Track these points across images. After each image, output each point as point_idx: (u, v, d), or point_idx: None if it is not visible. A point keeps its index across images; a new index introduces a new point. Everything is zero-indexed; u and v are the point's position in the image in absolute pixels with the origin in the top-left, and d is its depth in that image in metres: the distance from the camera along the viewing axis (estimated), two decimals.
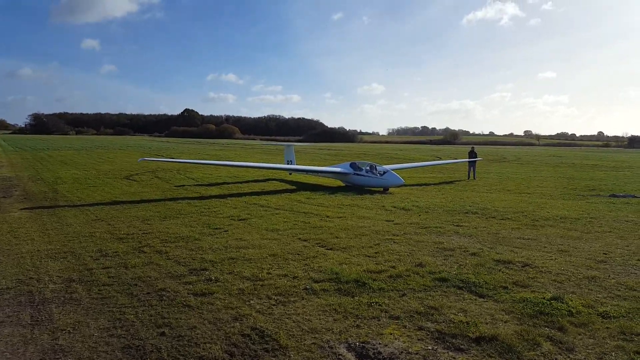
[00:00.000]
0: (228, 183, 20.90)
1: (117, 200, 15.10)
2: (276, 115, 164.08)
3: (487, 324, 5.22)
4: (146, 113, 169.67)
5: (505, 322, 5.32)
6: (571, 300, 5.92)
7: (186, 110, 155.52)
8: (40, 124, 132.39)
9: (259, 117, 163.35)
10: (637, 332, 5.05)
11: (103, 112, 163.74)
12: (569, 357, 4.53)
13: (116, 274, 7.17)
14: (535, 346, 4.70)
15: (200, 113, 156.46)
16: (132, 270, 7.36)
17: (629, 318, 5.45)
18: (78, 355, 4.57)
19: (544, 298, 5.99)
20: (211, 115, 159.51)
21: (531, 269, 7.39)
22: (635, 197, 17.02)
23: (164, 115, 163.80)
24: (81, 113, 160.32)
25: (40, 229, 10.77)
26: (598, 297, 6.18)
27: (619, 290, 6.46)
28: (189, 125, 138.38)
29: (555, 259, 8.09)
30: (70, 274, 7.23)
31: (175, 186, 19.48)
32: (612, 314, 5.54)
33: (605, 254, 8.52)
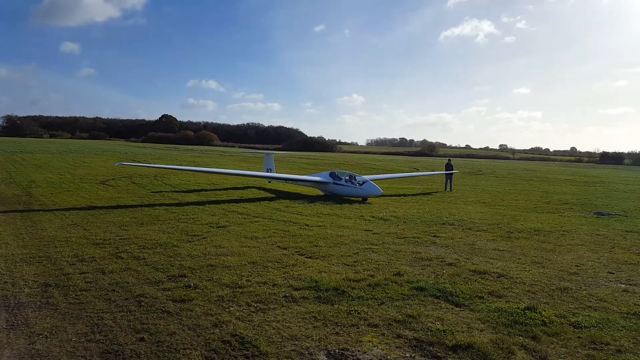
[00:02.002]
0: (206, 190, 20.76)
1: (93, 206, 14.85)
2: (256, 123, 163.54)
3: (463, 332, 5.35)
4: (123, 118, 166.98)
5: (481, 330, 5.46)
6: (544, 311, 6.10)
7: (164, 116, 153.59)
8: (13, 127, 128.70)
9: (238, 125, 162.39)
10: (607, 341, 5.25)
11: (79, 115, 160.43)
12: None
13: (93, 279, 7.07)
14: (510, 354, 4.84)
15: (178, 119, 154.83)
16: (109, 276, 7.26)
17: (599, 328, 5.65)
18: None
19: (518, 308, 6.16)
20: (189, 122, 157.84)
21: (506, 280, 7.59)
22: (619, 215, 16.50)
23: (142, 120, 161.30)
24: (56, 116, 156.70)
25: (14, 233, 10.51)
26: (570, 307, 6.39)
27: (590, 301, 6.69)
28: (166, 131, 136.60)
29: (529, 270, 8.33)
30: (46, 278, 7.09)
31: (153, 192, 19.27)
32: (583, 324, 5.73)
33: (577, 266, 8.80)
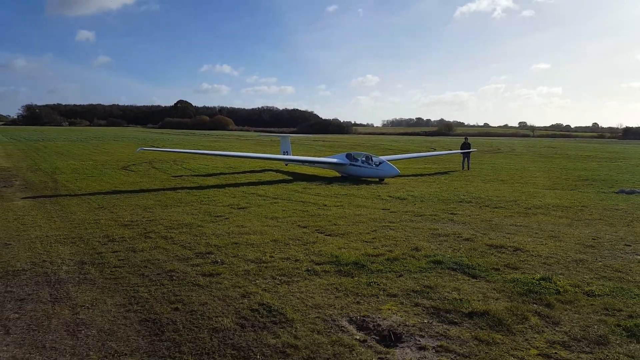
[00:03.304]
0: (225, 173, 21.15)
1: (117, 190, 15.34)
2: (270, 107, 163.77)
3: (479, 301, 5.59)
4: (139, 104, 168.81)
5: (496, 299, 5.68)
6: (559, 281, 6.29)
7: (179, 101, 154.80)
8: (33, 115, 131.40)
9: (252, 109, 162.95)
10: (619, 308, 5.43)
11: (96, 103, 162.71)
12: (554, 329, 4.90)
13: (125, 257, 7.47)
14: (524, 320, 5.07)
15: (193, 104, 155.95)
16: (140, 254, 7.66)
17: (612, 296, 5.83)
18: (99, 328, 4.88)
19: (533, 278, 6.35)
20: (204, 107, 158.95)
21: (522, 253, 7.77)
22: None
23: (157, 106, 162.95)
24: (74, 104, 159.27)
25: (46, 216, 11.01)
26: (585, 278, 6.55)
27: (605, 272, 6.84)
28: (182, 116, 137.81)
29: (546, 244, 8.47)
30: (81, 257, 7.52)
31: (173, 176, 19.73)
32: (597, 293, 5.91)
33: (594, 239, 8.91)
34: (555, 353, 4.38)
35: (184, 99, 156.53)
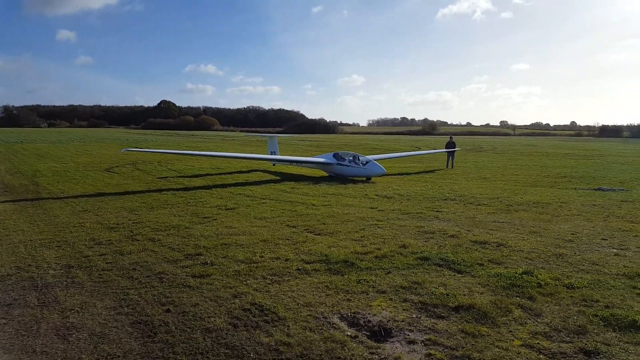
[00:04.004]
0: (211, 174, 21.09)
1: (101, 192, 15.19)
2: (256, 107, 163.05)
3: (464, 295, 5.75)
4: (121, 105, 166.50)
5: (481, 293, 5.86)
6: (540, 274, 6.50)
7: (163, 101, 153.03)
8: (11, 117, 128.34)
9: (238, 109, 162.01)
10: (597, 299, 5.65)
11: (76, 104, 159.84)
12: (537, 321, 5.09)
13: (113, 260, 7.46)
14: (508, 312, 5.25)
15: (177, 105, 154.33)
16: (128, 257, 7.65)
17: (590, 288, 6.05)
18: (90, 331, 4.90)
19: (516, 273, 6.55)
20: (189, 107, 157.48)
21: (505, 248, 7.98)
22: (623, 190, 15.96)
23: (140, 107, 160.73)
24: (54, 105, 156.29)
25: (28, 220, 10.88)
26: (564, 271, 6.78)
27: (584, 265, 7.09)
28: (166, 117, 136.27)
29: (527, 239, 8.71)
30: (67, 260, 7.48)
31: (158, 178, 19.60)
32: (576, 285, 6.13)
33: (573, 234, 9.18)
34: (538, 343, 4.56)
35: (168, 99, 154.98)
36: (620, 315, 5.13)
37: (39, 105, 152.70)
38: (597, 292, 5.91)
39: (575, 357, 4.32)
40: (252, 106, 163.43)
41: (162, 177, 19.85)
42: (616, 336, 4.72)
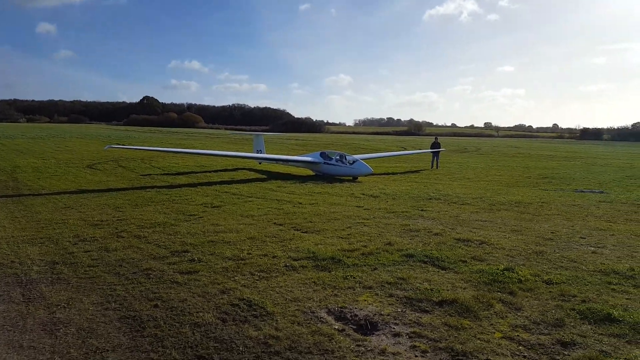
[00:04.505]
0: (196, 172, 20.98)
1: (83, 189, 15.02)
2: (241, 104, 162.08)
3: (448, 290, 5.91)
4: (103, 100, 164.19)
5: (464, 288, 6.02)
6: (521, 271, 6.69)
7: (145, 97, 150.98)
8: None
9: (223, 106, 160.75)
10: (574, 294, 5.86)
11: (57, 99, 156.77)
12: (517, 314, 5.26)
13: (99, 257, 7.42)
14: (489, 307, 5.42)
15: (160, 101, 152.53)
16: (114, 253, 7.62)
17: (568, 283, 6.26)
18: (78, 326, 4.90)
19: (497, 269, 6.74)
20: (172, 104, 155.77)
21: (487, 246, 8.18)
22: (602, 192, 16.17)
23: (122, 102, 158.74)
24: (33, 100, 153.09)
25: (9, 216, 10.72)
26: (544, 267, 6.99)
27: (562, 262, 7.31)
28: (148, 113, 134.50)
29: (509, 237, 8.93)
30: (52, 257, 7.42)
31: (142, 175, 19.45)
32: (554, 281, 6.34)
33: (553, 232, 9.44)
34: (517, 335, 4.72)
35: (151, 95, 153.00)
36: (596, 309, 5.34)
37: (17, 100, 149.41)
38: (574, 287, 6.12)
39: (553, 348, 4.49)
40: (238, 104, 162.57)
41: (146, 175, 19.69)
42: (592, 328, 4.92)
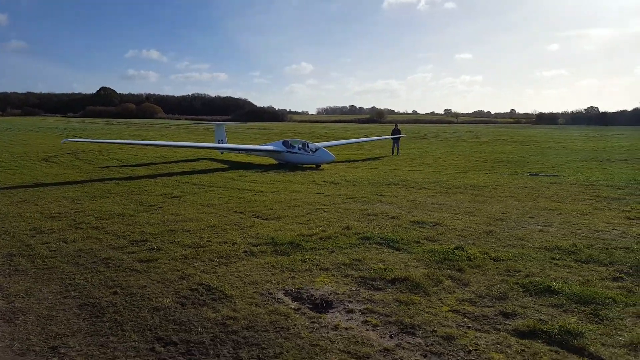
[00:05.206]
0: (156, 163, 20.65)
1: (39, 183, 14.58)
2: (202, 94, 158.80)
3: (400, 269, 6.21)
4: (58, 92, 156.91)
5: (416, 267, 6.34)
6: (471, 249, 7.08)
7: (102, 88, 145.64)
8: None
9: (183, 96, 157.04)
10: (519, 269, 6.27)
11: (9, 91, 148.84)
12: (464, 289, 5.61)
13: (57, 248, 7.33)
14: (439, 283, 5.74)
15: (117, 92, 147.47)
16: (72, 244, 7.54)
17: (514, 260, 6.68)
18: (37, 314, 4.90)
19: (448, 248, 7.10)
20: (130, 94, 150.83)
21: (440, 227, 8.57)
22: (555, 175, 16.65)
23: (78, 94, 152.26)
24: None
25: None
26: (493, 246, 7.41)
27: (510, 240, 7.76)
28: (105, 104, 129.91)
29: (461, 219, 9.37)
30: (8, 249, 7.28)
31: (100, 167, 19.02)
32: (502, 258, 6.74)
33: (504, 213, 9.95)
34: (463, 308, 5.05)
35: (108, 86, 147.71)
36: (538, 282, 5.74)
37: None
38: (519, 263, 6.54)
39: (495, 318, 4.84)
40: (198, 93, 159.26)
41: (104, 167, 19.26)
42: (532, 300, 5.31)
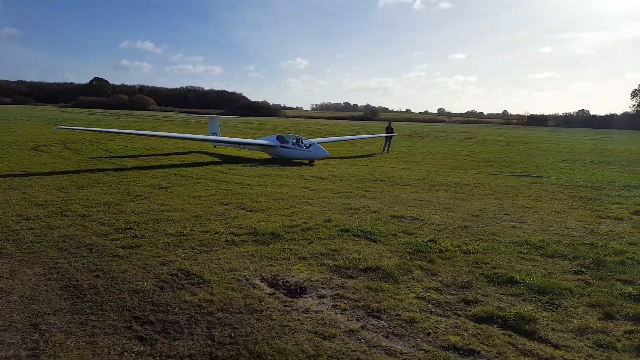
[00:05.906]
0: (145, 155, 20.75)
1: (27, 172, 14.67)
2: (196, 87, 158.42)
3: (374, 259, 6.48)
4: (50, 81, 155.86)
5: (389, 257, 6.62)
6: (443, 242, 7.37)
7: (95, 79, 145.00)
8: None
9: (176, 88, 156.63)
10: (487, 261, 6.57)
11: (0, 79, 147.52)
12: (432, 279, 5.89)
13: (42, 234, 7.51)
14: (409, 272, 6.02)
15: (110, 82, 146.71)
16: (57, 230, 7.72)
17: (484, 253, 6.98)
18: (21, 294, 5.10)
19: (422, 241, 7.40)
20: (123, 85, 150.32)
21: (418, 222, 8.86)
22: (536, 176, 16.89)
23: (70, 84, 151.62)
24: None
25: None
26: (465, 240, 7.71)
27: (483, 235, 8.07)
28: (98, 95, 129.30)
29: (440, 214, 9.66)
30: None
31: (90, 158, 19.10)
32: (472, 251, 7.04)
33: (481, 210, 10.27)
34: (429, 295, 5.33)
35: (101, 77, 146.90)
36: (502, 273, 6.04)
37: None
38: (488, 256, 6.84)
39: (457, 305, 5.13)
40: (192, 86, 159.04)
41: (94, 157, 19.34)
42: (494, 289, 5.61)
